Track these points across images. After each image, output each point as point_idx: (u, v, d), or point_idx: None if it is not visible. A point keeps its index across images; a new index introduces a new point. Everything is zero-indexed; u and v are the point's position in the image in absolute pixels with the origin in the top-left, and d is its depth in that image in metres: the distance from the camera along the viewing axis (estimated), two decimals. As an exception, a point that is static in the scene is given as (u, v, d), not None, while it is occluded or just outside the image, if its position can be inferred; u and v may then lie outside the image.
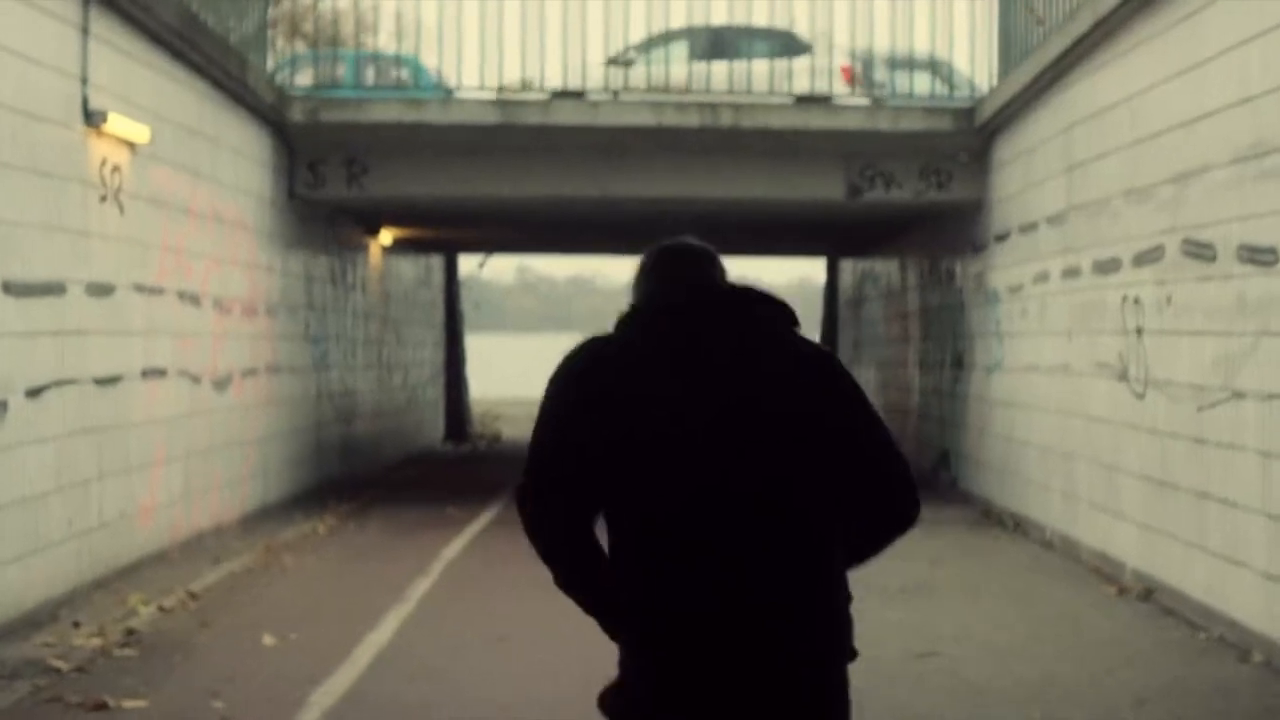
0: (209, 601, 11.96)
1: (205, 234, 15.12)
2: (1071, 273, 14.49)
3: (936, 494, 19.81)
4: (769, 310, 3.95)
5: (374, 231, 23.45)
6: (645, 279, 4.04)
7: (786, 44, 18.95)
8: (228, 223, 15.92)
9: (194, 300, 14.82)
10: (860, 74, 18.55)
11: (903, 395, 23.92)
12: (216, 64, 14.99)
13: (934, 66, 18.60)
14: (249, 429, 16.87)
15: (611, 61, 18.66)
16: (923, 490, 4.12)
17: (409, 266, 27.57)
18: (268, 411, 17.67)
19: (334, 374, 21.24)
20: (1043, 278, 15.54)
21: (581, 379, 3.88)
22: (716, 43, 18.89)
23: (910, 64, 18.43)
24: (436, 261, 30.60)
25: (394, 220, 23.01)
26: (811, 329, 45.84)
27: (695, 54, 18.93)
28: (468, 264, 33.66)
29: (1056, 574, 13.57)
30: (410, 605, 11.93)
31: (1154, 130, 12.12)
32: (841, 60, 18.60)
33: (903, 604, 11.96)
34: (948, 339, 20.43)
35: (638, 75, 18.32)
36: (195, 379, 14.90)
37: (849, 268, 30.31)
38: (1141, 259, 12.44)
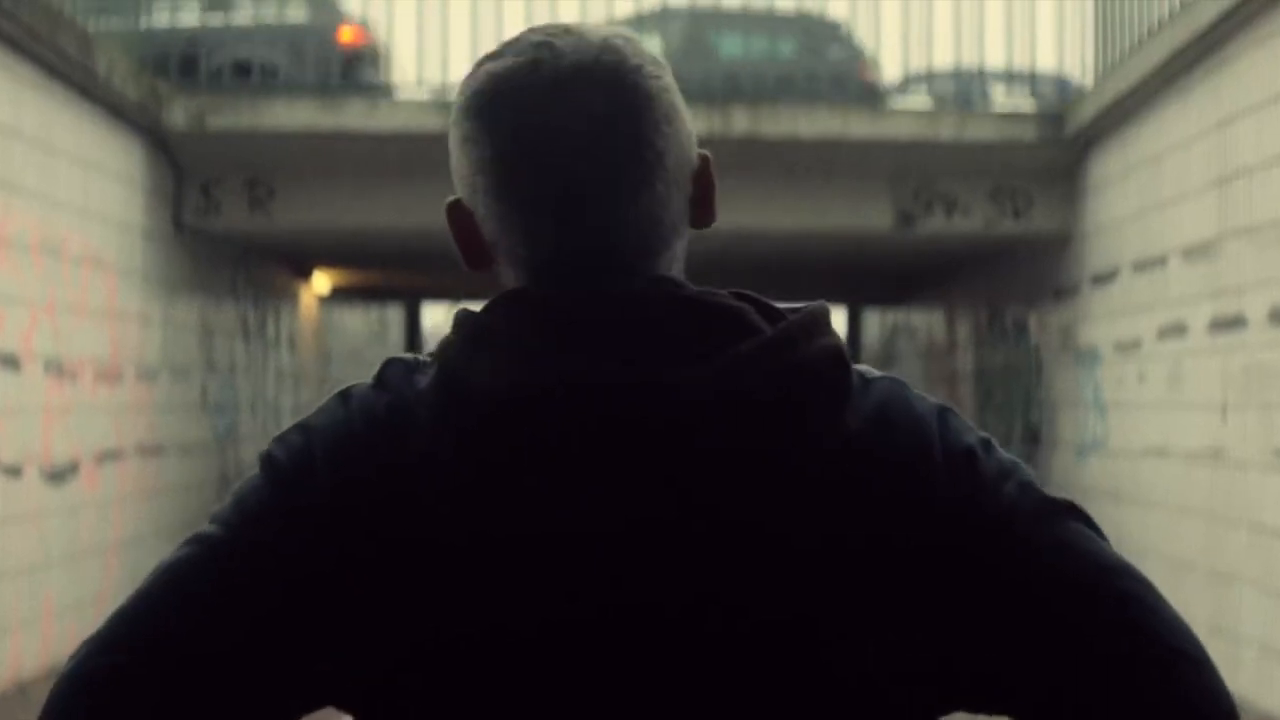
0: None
1: (27, 271, 11.01)
2: (1228, 323, 10.40)
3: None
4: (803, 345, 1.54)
5: (304, 275, 19.30)
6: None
7: None
8: (70, 258, 11.81)
9: (9, 362, 10.70)
10: None
11: (948, 474, 19.77)
12: (41, 38, 10.91)
13: None
14: (108, 532, 12.72)
15: None
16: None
17: (357, 319, 23.46)
18: (141, 506, 13.50)
19: (248, 450, 17.07)
20: (1175, 330, 11.44)
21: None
22: None
23: None
24: (396, 314, 26.49)
25: (330, 260, 18.91)
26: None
27: None
28: (435, 315, 29.67)
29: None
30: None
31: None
32: None
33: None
34: (1016, 409, 16.33)
35: None
36: (13, 470, 10.77)
37: (875, 321, 26.13)
38: (1366, 302, 8.41)
